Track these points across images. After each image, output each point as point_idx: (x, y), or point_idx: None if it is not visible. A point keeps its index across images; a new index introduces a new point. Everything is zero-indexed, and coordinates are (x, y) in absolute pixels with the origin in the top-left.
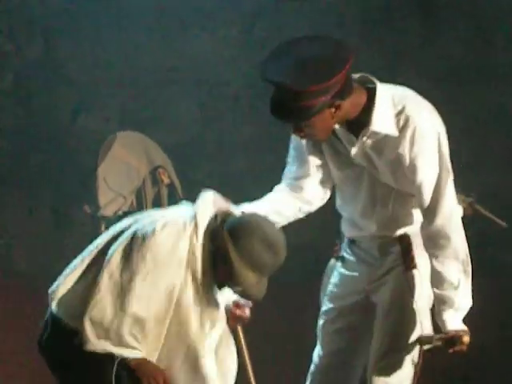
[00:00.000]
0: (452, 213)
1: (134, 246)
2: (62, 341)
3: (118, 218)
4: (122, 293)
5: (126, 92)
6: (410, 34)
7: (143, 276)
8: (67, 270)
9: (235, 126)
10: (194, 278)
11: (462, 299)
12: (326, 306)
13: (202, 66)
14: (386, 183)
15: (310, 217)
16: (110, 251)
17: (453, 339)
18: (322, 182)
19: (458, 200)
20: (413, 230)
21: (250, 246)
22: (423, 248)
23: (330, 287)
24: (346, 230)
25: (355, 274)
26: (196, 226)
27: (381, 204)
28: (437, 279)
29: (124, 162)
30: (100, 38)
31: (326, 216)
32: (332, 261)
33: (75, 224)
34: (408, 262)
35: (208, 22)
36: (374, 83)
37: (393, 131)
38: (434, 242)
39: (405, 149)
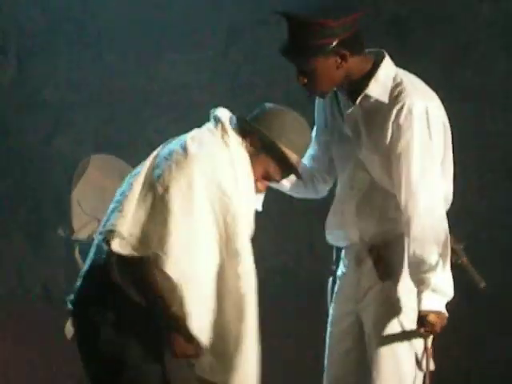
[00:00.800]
0: (433, 208)
1: (181, 159)
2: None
3: (93, 241)
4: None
5: (100, 115)
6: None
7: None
8: (116, 206)
9: None
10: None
11: (440, 280)
12: (328, 328)
13: (176, 88)
14: (365, 168)
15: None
16: (157, 172)
17: (421, 319)
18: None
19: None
20: (393, 231)
21: (286, 126)
22: (405, 259)
23: (330, 310)
24: (328, 230)
25: (345, 291)
26: (223, 126)
27: (357, 188)
28: (415, 263)
29: (99, 185)
30: (74, 60)
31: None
32: (329, 281)
33: (49, 247)
34: (381, 269)
35: (183, 44)
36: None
37: (384, 98)
38: (412, 229)
39: (390, 121)
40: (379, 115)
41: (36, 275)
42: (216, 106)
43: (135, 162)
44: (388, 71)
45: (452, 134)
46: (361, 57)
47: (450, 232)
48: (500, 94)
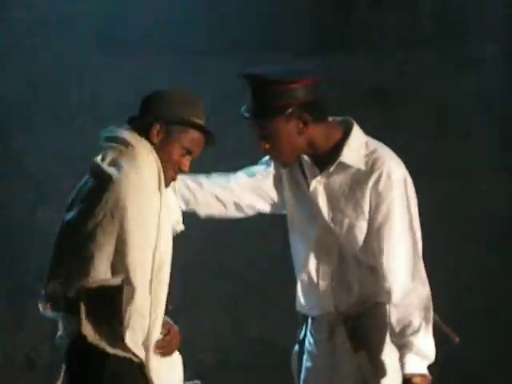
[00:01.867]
0: (415, 273)
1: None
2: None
3: None
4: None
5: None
6: (366, 123)
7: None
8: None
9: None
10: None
11: (423, 343)
12: None
13: None
14: (333, 233)
15: None
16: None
17: (405, 382)
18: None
19: None
20: (369, 300)
21: (173, 101)
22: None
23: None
24: (299, 298)
25: (317, 365)
26: (124, 140)
27: (326, 251)
28: (397, 328)
29: None
30: (58, 130)
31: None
32: (295, 349)
33: (32, 318)
34: (356, 341)
35: None
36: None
37: (360, 165)
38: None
39: (368, 188)
40: (355, 182)
41: (19, 344)
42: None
43: None
44: (359, 139)
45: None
46: (324, 124)
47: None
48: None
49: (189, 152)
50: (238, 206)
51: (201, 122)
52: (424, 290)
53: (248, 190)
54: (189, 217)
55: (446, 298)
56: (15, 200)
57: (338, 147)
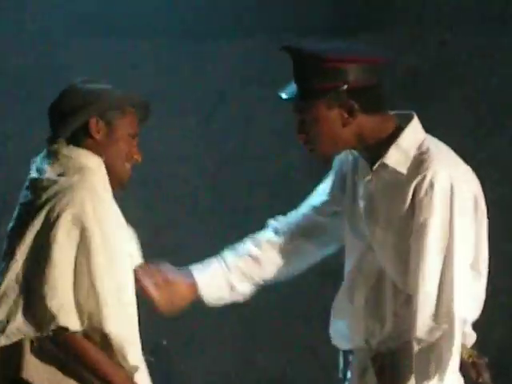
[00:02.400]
0: (449, 309)
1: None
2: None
3: None
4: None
5: None
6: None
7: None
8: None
9: (195, 234)
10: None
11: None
12: None
13: (150, 161)
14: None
15: None
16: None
17: None
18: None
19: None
20: (401, 336)
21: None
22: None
23: None
24: (335, 314)
25: None
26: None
27: (366, 273)
28: (414, 367)
29: None
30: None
31: None
32: None
33: None
34: (384, 381)
35: (159, 109)
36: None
37: (402, 168)
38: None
39: (408, 196)
40: (397, 188)
41: None
42: None
43: None
44: (413, 137)
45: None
46: (378, 116)
47: (472, 342)
48: None
49: (133, 136)
50: (301, 258)
51: (131, 96)
52: (451, 333)
53: (306, 239)
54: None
55: None
56: None
57: (387, 143)
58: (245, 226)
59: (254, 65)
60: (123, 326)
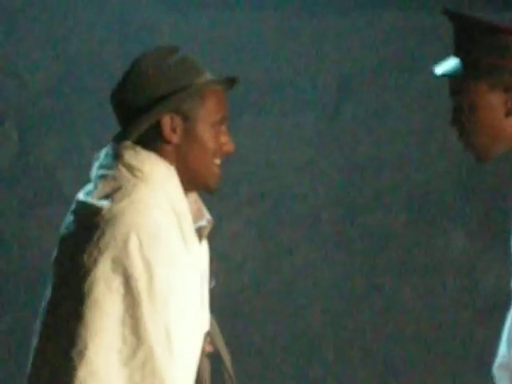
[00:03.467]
0: None
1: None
2: None
3: None
4: None
5: None
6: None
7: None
8: None
9: (315, 262)
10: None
11: None
12: None
13: (259, 174)
14: None
15: None
16: None
17: None
18: None
19: None
20: None
21: (161, 74)
22: None
23: None
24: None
25: None
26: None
27: None
28: None
29: None
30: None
31: None
32: None
33: None
34: None
35: (268, 105)
36: None
37: None
38: None
39: None
40: None
41: None
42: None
43: None
44: None
45: None
46: None
47: None
48: None
49: (222, 122)
50: None
51: (208, 73)
52: None
53: None
54: None
55: None
56: (45, 221)
57: None
58: (380, 253)
59: (387, 46)
60: None
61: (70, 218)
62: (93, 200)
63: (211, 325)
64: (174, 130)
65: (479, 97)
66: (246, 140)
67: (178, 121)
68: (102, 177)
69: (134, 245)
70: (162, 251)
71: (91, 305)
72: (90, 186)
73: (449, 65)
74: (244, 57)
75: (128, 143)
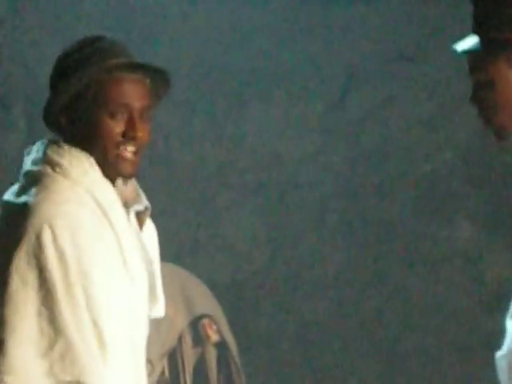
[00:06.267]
0: None
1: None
2: None
3: None
4: None
5: (158, 200)
6: None
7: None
8: None
9: (319, 251)
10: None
11: None
12: None
13: (268, 161)
14: None
15: None
16: None
17: None
18: None
19: None
20: None
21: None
22: None
23: None
24: None
25: None
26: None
27: None
28: None
29: None
30: None
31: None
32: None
33: None
34: None
35: (275, 94)
36: None
37: None
38: None
39: None
40: None
41: None
42: None
43: (207, 272)
44: None
45: None
46: None
47: None
48: None
49: (123, 109)
50: None
51: (122, 59)
52: None
53: None
54: None
55: None
56: None
57: None
58: (387, 243)
59: (394, 36)
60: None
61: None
62: (13, 198)
63: (217, 314)
64: (72, 124)
65: (498, 73)
66: (253, 129)
67: (74, 114)
68: (26, 174)
69: (47, 237)
70: (79, 240)
71: (7, 300)
72: (16, 185)
73: (468, 42)
74: (251, 46)
75: (54, 138)
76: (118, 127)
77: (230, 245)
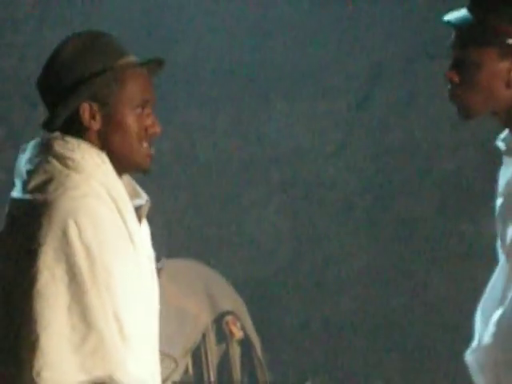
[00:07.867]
0: None
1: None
2: None
3: None
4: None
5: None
6: None
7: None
8: None
9: (343, 248)
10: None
11: None
12: None
13: (291, 159)
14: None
15: None
16: None
17: None
18: None
19: None
20: None
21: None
22: None
23: None
24: None
25: None
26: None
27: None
28: None
29: (173, 306)
30: None
31: None
32: None
33: None
34: None
35: (299, 91)
36: None
37: None
38: None
39: None
40: None
41: None
42: None
43: (230, 269)
44: None
45: None
46: None
47: None
48: None
49: (144, 104)
50: None
51: (131, 56)
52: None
53: None
54: None
55: None
56: None
57: None
58: (411, 240)
59: (418, 33)
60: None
61: (7, 219)
62: (26, 195)
63: (241, 311)
64: (93, 117)
65: (489, 59)
66: (278, 126)
67: (95, 107)
68: (32, 171)
69: (73, 232)
70: (101, 235)
71: (37, 297)
72: (19, 183)
73: (460, 15)
74: (275, 43)
75: (57, 133)
76: (142, 122)
77: (254, 242)
